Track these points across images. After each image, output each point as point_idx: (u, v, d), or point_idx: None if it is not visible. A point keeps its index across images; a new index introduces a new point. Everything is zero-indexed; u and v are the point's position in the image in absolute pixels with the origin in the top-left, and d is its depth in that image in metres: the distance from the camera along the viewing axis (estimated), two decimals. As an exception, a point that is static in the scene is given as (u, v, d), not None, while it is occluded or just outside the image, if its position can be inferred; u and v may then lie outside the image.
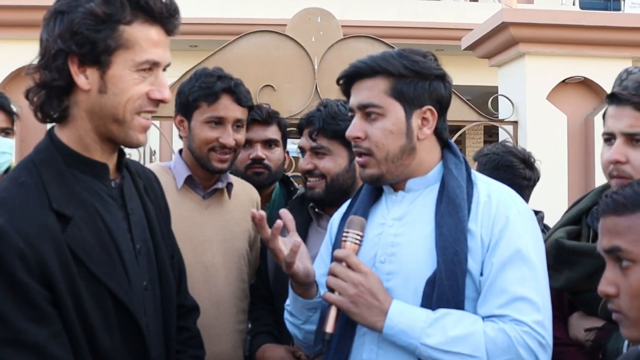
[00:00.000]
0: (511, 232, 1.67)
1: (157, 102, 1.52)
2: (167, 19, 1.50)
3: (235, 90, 2.36)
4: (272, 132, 2.83)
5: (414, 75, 1.74)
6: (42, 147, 1.52)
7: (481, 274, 1.66)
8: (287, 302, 1.94)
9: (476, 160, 2.85)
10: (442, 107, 1.80)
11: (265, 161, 2.77)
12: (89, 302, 1.42)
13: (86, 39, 1.40)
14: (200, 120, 2.37)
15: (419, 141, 1.77)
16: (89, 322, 1.42)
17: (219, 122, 2.36)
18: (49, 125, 1.57)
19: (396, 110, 1.74)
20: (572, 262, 1.86)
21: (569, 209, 2.13)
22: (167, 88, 1.53)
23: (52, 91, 1.45)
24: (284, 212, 1.83)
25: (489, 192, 1.75)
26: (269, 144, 2.81)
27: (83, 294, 1.41)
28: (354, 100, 1.80)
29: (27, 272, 1.32)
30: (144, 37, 1.46)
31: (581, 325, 1.87)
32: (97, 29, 1.40)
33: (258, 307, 2.50)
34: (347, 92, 1.84)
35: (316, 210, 2.45)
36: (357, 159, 1.82)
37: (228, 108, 2.36)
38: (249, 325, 2.53)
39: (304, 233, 2.40)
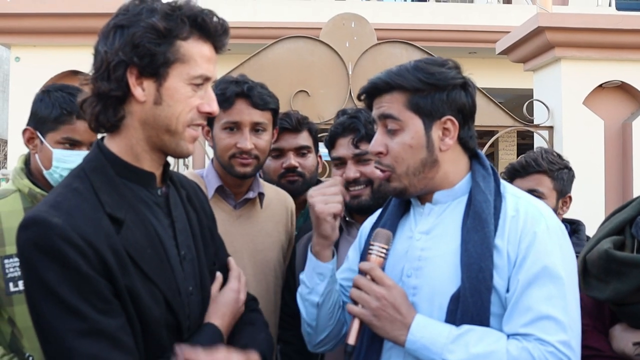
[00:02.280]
0: (538, 248, 1.63)
1: (207, 115, 1.58)
2: (219, 37, 1.57)
3: (249, 94, 2.32)
4: (303, 139, 2.82)
5: (429, 88, 1.72)
6: (91, 156, 1.57)
7: (507, 291, 1.64)
8: (303, 272, 1.97)
9: None
10: (464, 115, 1.77)
11: (299, 169, 2.77)
12: (146, 300, 1.47)
13: (147, 51, 1.46)
14: (219, 127, 2.36)
15: (442, 152, 1.76)
16: (145, 319, 1.47)
17: (235, 127, 2.34)
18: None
19: (415, 123, 1.74)
20: (622, 274, 1.82)
21: (609, 217, 2.10)
22: (215, 102, 1.59)
23: (108, 101, 1.51)
24: None
25: (517, 206, 1.72)
26: (301, 151, 2.81)
27: (140, 291, 1.46)
28: (375, 112, 1.81)
29: (90, 266, 1.38)
30: (199, 52, 1.53)
31: (627, 338, 1.84)
32: (157, 43, 1.47)
33: (286, 328, 2.47)
34: (370, 107, 1.86)
35: (347, 219, 2.42)
36: (379, 173, 1.82)
37: (243, 112, 2.32)
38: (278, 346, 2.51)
39: (334, 243, 2.39)
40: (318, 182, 3.05)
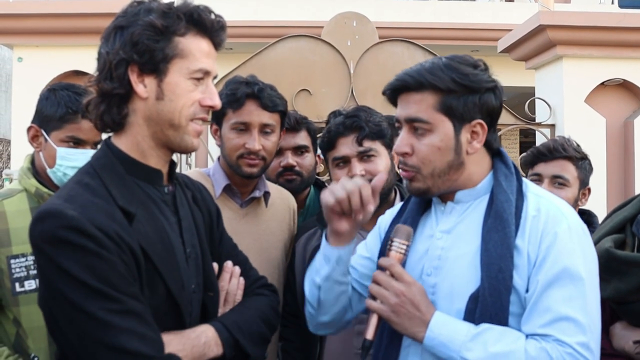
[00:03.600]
0: (559, 249, 1.61)
1: (208, 108, 1.62)
2: (216, 32, 1.61)
3: (260, 95, 2.35)
4: (302, 138, 2.84)
5: (462, 90, 1.67)
6: (100, 154, 1.60)
7: (527, 291, 1.62)
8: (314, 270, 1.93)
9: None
10: (492, 118, 1.74)
11: (297, 168, 2.79)
12: (147, 293, 1.50)
13: (146, 47, 1.51)
14: (228, 126, 2.39)
15: (468, 155, 1.72)
16: None
17: (244, 127, 2.37)
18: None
19: (445, 126, 1.69)
20: (623, 273, 1.83)
21: (610, 214, 2.10)
22: (217, 95, 1.62)
23: (112, 100, 1.54)
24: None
25: (539, 205, 1.69)
26: (299, 150, 2.83)
27: (144, 285, 1.49)
28: (401, 113, 1.75)
29: (110, 253, 1.41)
30: (197, 47, 1.57)
31: (628, 337, 1.84)
32: (156, 39, 1.51)
33: (286, 326, 2.48)
34: (393, 101, 1.80)
35: None
36: (401, 172, 1.79)
37: (252, 113, 2.36)
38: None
39: None
40: (317, 181, 3.06)
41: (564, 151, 2.67)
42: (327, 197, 1.75)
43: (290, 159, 2.79)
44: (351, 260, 1.97)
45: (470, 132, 1.71)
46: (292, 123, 2.79)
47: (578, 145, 2.78)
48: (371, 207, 1.75)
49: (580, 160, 2.70)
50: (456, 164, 1.71)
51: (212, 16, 1.60)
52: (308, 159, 2.86)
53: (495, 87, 1.73)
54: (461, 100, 1.67)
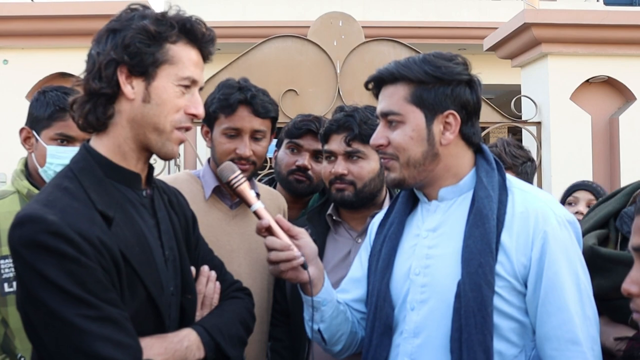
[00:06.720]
0: (552, 251, 1.66)
1: (192, 117, 1.63)
2: (205, 44, 1.64)
3: (252, 102, 2.35)
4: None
5: (434, 81, 1.73)
6: (78, 157, 1.60)
7: (514, 288, 1.67)
8: None
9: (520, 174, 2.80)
10: (468, 112, 1.77)
11: (310, 172, 2.78)
12: (128, 297, 1.50)
13: (138, 50, 1.53)
14: (219, 131, 2.40)
15: (442, 146, 1.76)
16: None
17: (235, 133, 2.37)
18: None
19: (416, 116, 1.74)
20: (606, 270, 1.84)
21: (593, 207, 2.11)
22: (201, 105, 1.65)
23: (98, 99, 1.56)
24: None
25: (526, 202, 1.72)
26: (317, 156, 2.81)
27: (124, 288, 1.49)
28: (378, 108, 1.82)
29: (89, 259, 1.41)
30: (186, 56, 1.60)
31: (609, 333, 1.84)
32: (147, 43, 1.54)
33: (276, 325, 2.49)
34: (377, 97, 1.86)
35: (334, 218, 2.44)
36: (383, 162, 1.84)
37: (244, 119, 2.36)
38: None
39: (321, 242, 2.39)
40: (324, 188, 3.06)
41: (502, 162, 2.67)
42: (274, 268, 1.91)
43: (306, 161, 2.78)
44: (342, 284, 2.03)
45: (443, 123, 1.75)
46: (319, 130, 2.74)
47: (519, 148, 2.78)
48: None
49: (521, 166, 2.72)
50: (431, 154, 1.76)
51: (204, 28, 1.63)
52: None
53: (470, 80, 1.77)
54: (432, 91, 1.73)
